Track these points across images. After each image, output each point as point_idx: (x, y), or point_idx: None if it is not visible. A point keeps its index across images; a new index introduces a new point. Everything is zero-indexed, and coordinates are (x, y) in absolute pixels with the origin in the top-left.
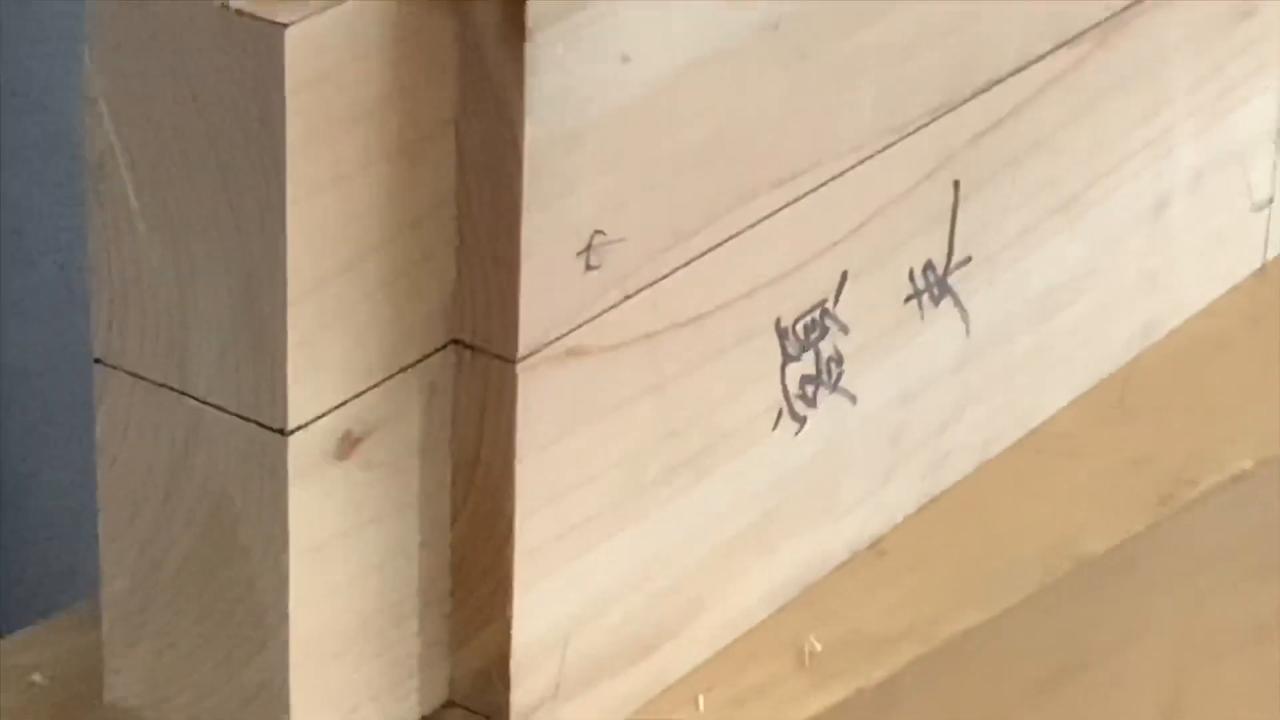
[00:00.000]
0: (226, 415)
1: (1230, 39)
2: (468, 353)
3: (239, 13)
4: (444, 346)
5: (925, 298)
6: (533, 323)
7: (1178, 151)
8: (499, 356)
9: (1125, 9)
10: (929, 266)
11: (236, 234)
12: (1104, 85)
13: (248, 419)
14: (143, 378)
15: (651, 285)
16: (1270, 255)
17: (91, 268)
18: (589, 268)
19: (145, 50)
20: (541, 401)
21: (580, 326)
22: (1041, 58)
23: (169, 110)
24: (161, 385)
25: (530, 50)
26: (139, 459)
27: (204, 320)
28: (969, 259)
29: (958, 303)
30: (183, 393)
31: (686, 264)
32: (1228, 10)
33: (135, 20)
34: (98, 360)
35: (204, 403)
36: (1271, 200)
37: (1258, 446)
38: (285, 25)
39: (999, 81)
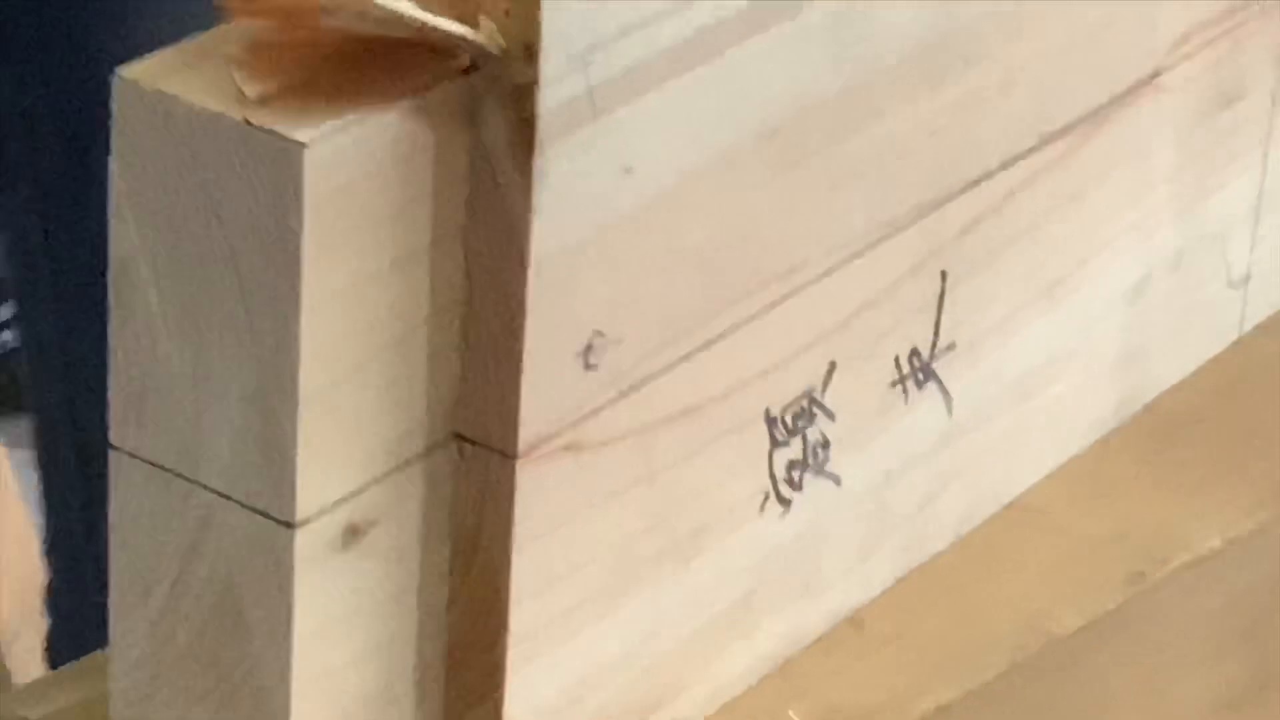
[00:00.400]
0: (237, 506)
1: (1212, 127)
2: (469, 446)
3: (261, 129)
4: (446, 440)
5: (910, 382)
6: (532, 420)
7: (1158, 234)
8: (499, 451)
9: (1110, 103)
10: (915, 353)
11: (251, 337)
12: (1089, 176)
13: (257, 511)
14: (157, 466)
15: (647, 381)
16: (1246, 329)
17: (111, 360)
18: (588, 367)
19: (169, 160)
20: (538, 494)
21: (577, 423)
22: (1029, 153)
23: (190, 217)
24: (175, 474)
25: (538, 164)
26: (151, 542)
27: (217, 416)
28: (953, 345)
29: (941, 386)
30: (195, 482)
31: (681, 360)
32: (1210, 100)
33: (160, 131)
34: (114, 447)
35: (216, 493)
36: (1249, 277)
37: (1226, 525)
38: (304, 145)
39: (987, 177)
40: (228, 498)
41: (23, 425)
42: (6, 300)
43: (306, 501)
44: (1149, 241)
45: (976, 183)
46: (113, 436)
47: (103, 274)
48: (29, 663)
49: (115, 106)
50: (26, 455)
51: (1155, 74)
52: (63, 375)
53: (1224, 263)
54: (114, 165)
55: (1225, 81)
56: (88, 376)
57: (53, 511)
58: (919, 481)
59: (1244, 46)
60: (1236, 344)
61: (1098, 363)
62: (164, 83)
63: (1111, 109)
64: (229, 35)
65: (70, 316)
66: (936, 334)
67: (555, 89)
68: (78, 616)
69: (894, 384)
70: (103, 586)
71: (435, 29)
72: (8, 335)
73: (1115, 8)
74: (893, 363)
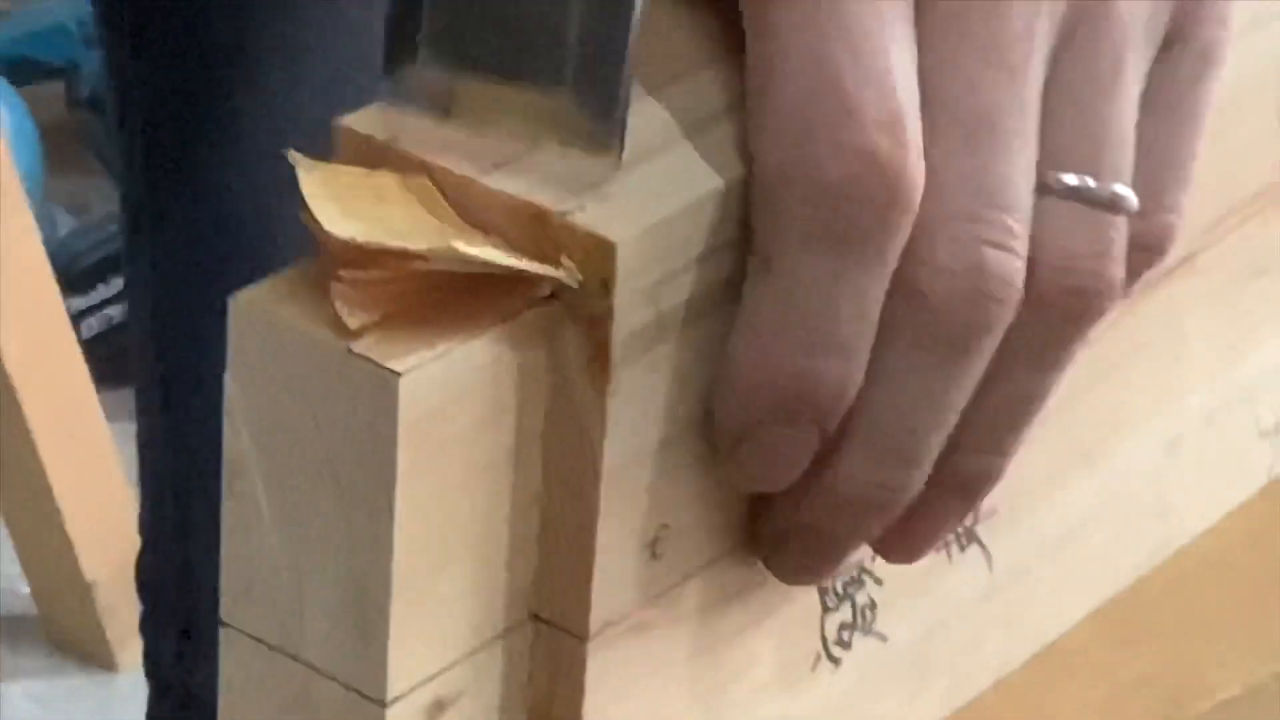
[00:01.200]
0: (333, 683)
1: (1243, 296)
2: (544, 627)
3: (360, 357)
4: (523, 620)
5: (954, 546)
6: (602, 605)
7: (1191, 397)
8: (572, 633)
9: (1146, 286)
10: None
11: (348, 535)
12: (1124, 351)
13: (351, 688)
14: (262, 642)
15: (710, 564)
16: (1274, 474)
17: (223, 545)
18: (654, 556)
19: (277, 375)
20: (607, 672)
21: (644, 606)
22: None
23: (294, 427)
24: (278, 650)
25: (611, 384)
26: (255, 711)
27: (317, 601)
28: (995, 510)
29: (983, 547)
30: (296, 658)
31: (740, 545)
32: (1241, 273)
33: (270, 350)
34: (223, 622)
35: (314, 669)
36: (1278, 427)
37: (1248, 673)
38: (399, 374)
39: None
40: (325, 674)
41: (125, 398)
42: (115, 276)
43: (397, 681)
44: (1182, 404)
45: None
46: (223, 613)
47: (202, 245)
48: (126, 636)
49: (231, 324)
50: (127, 428)
51: (1190, 256)
52: (153, 333)
53: (1254, 416)
54: (228, 375)
55: (1256, 255)
56: (180, 354)
57: (145, 485)
58: (961, 631)
59: (1272, 222)
60: (1265, 490)
61: (1132, 514)
62: (275, 307)
63: (1148, 290)
64: (335, 267)
65: (167, 293)
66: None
67: (627, 318)
68: (166, 585)
69: (939, 549)
70: (186, 562)
71: (523, 270)
72: (114, 310)
73: None
74: None
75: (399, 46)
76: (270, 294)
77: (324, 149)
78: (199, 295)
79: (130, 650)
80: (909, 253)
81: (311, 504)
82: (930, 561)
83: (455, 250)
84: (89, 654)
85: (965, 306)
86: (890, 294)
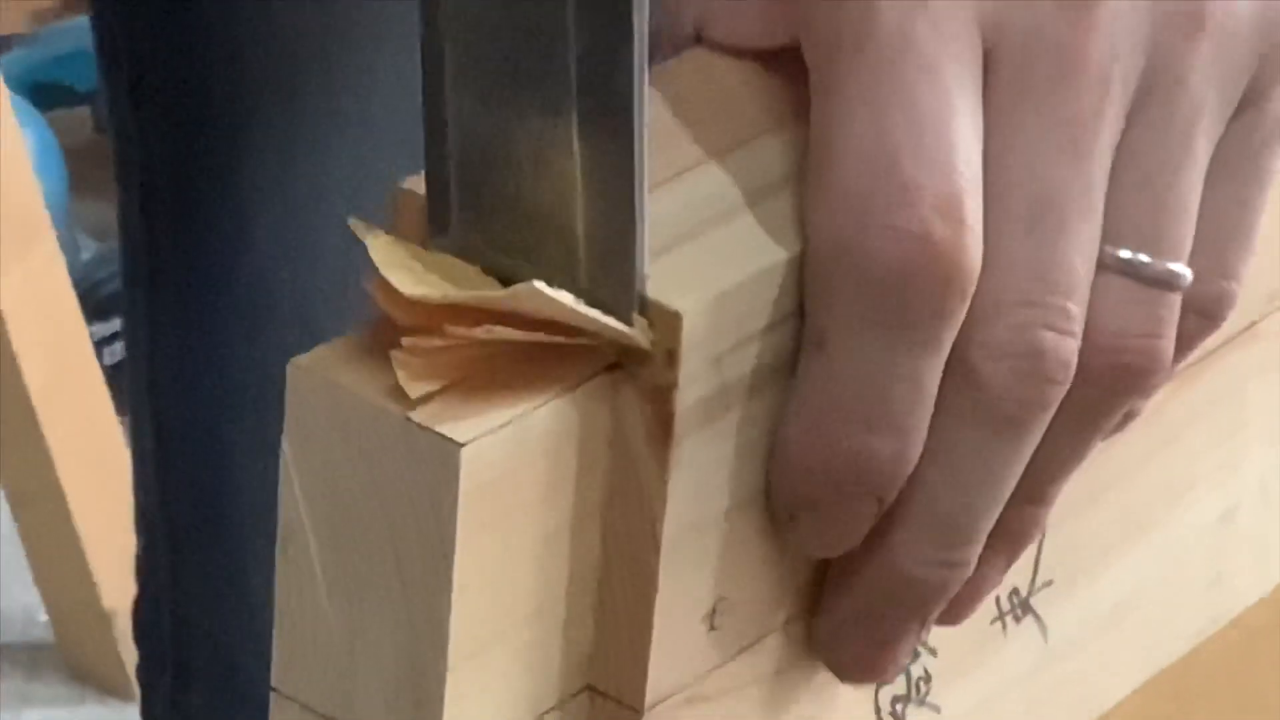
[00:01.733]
0: None
1: None
2: (600, 698)
3: (420, 426)
4: (580, 691)
5: (1009, 618)
6: (659, 678)
7: (1247, 466)
8: (628, 706)
9: (1204, 356)
10: (1014, 592)
11: (405, 605)
12: (1184, 418)
13: None
14: (312, 710)
15: (766, 636)
16: None
17: (276, 610)
18: (712, 629)
19: (335, 441)
20: None
21: (701, 679)
22: None
23: (351, 493)
24: (328, 719)
25: (673, 455)
26: None
27: (370, 669)
28: (1051, 581)
29: (1038, 619)
30: None
31: (795, 617)
32: None
33: (328, 416)
34: (274, 689)
35: None
36: None
37: None
38: (461, 444)
39: None
40: None
41: None
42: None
43: None
44: (1239, 473)
45: None
46: (274, 679)
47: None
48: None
49: (289, 388)
50: None
51: (1252, 324)
52: (148, 382)
53: None
54: (285, 439)
55: None
56: (174, 401)
57: (139, 529)
58: (1015, 703)
59: None
60: None
61: (1186, 584)
62: (334, 373)
63: (1208, 359)
64: (397, 335)
65: (162, 343)
66: (1035, 573)
67: (691, 390)
68: (161, 631)
69: (994, 620)
70: (179, 609)
71: (597, 323)
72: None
73: None
74: (994, 602)
75: (437, 211)
76: (329, 359)
77: (320, 205)
78: (194, 348)
79: None
80: (966, 332)
81: (367, 571)
82: (985, 633)
83: (537, 291)
84: (107, 683)
85: (1022, 387)
86: (947, 371)
